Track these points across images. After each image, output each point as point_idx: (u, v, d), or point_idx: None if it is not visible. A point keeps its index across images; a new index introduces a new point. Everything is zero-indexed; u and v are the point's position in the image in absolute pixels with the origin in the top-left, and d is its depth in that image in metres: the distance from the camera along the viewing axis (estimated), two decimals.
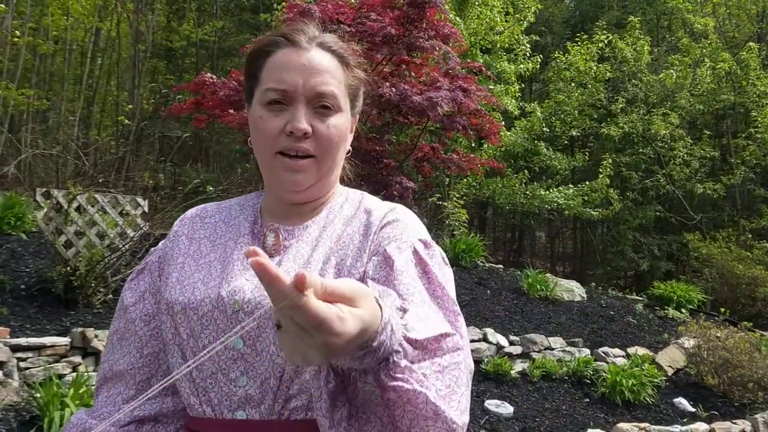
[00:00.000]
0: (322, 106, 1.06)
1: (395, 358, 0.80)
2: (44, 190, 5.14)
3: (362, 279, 1.02)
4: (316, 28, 1.12)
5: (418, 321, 0.87)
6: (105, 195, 5.31)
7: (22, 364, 3.99)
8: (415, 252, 1.06)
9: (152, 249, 1.23)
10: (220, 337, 1.01)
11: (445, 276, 1.08)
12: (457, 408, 0.86)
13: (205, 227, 1.16)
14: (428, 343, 0.85)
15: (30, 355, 4.03)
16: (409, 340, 0.82)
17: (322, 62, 1.07)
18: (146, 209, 5.44)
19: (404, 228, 1.09)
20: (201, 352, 0.90)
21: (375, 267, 1.03)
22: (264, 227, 1.12)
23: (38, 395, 3.56)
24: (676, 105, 13.23)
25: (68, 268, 4.79)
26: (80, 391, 3.62)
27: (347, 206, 1.15)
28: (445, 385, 0.85)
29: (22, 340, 4.05)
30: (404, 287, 0.98)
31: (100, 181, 5.29)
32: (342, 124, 1.09)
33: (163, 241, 1.20)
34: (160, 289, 1.13)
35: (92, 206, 5.08)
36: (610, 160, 12.11)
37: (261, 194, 1.21)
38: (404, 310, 0.90)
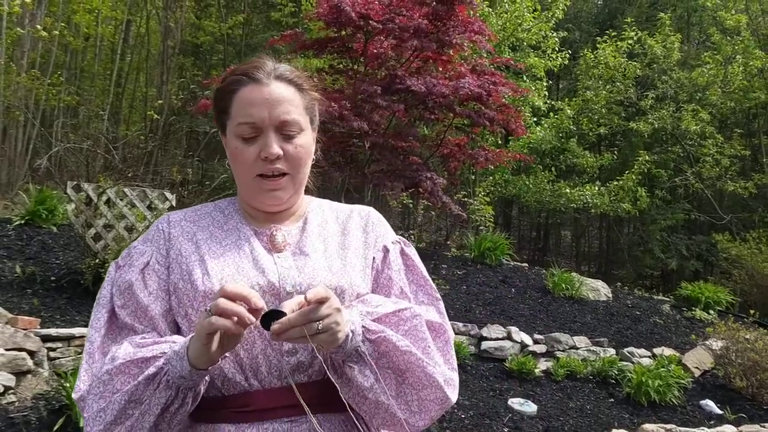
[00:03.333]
0: (288, 131, 1.26)
1: (366, 324, 1.18)
2: (75, 183, 5.21)
3: (372, 264, 1.35)
4: (271, 61, 1.30)
5: (381, 306, 1.23)
6: (134, 189, 5.38)
7: (52, 354, 4.06)
8: (402, 251, 1.39)
9: (135, 248, 1.31)
10: None
11: (423, 267, 1.40)
12: (423, 349, 1.21)
13: (201, 231, 1.31)
14: (387, 317, 1.21)
15: (59, 345, 4.11)
16: (373, 319, 1.20)
17: (282, 93, 1.26)
18: (174, 203, 5.50)
19: (387, 229, 1.42)
20: (251, 334, 1.18)
21: (381, 262, 1.35)
22: (264, 229, 1.32)
23: (67, 384, 3.62)
24: (706, 102, 13.02)
25: (97, 261, 4.86)
26: None
27: (324, 208, 1.42)
28: (409, 336, 1.20)
29: (52, 331, 4.12)
30: (398, 290, 1.33)
31: (129, 175, 5.36)
32: (306, 142, 1.30)
33: (147, 245, 1.30)
34: (176, 285, 1.25)
35: (121, 200, 5.15)
36: (646, 157, 11.95)
37: (230, 202, 1.39)
38: (371, 302, 1.25)
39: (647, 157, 12.08)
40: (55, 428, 3.42)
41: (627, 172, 11.93)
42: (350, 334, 1.14)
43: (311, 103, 1.33)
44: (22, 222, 5.93)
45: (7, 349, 3.89)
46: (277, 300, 1.20)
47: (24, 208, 6.17)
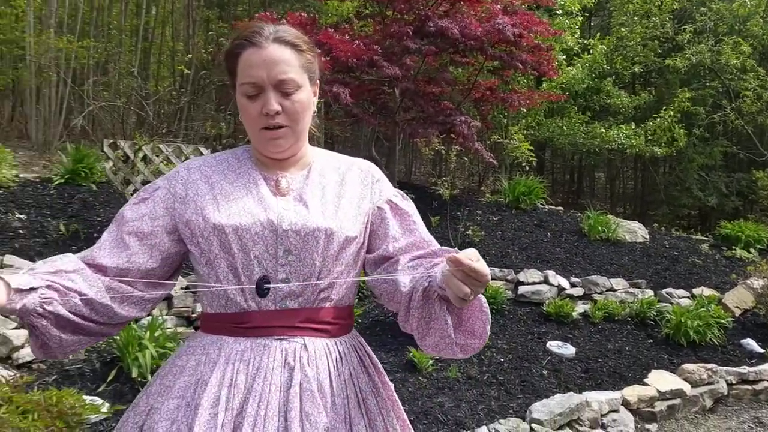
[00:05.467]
0: (285, 89, 1.41)
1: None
2: (111, 141, 5.28)
3: (368, 215, 1.51)
4: (271, 26, 1.46)
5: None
6: (168, 145, 5.42)
7: None
8: (401, 201, 1.57)
9: (152, 184, 1.52)
10: (269, 250, 1.39)
11: (417, 215, 1.57)
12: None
13: (216, 174, 1.49)
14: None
15: None
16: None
17: (279, 55, 1.42)
18: None
19: (388, 184, 1.59)
20: (251, 262, 1.38)
21: (390, 212, 1.52)
22: (272, 175, 1.49)
23: (117, 338, 3.74)
24: (747, 34, 12.53)
25: None
26: (156, 334, 3.79)
27: (329, 159, 1.58)
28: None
29: None
30: (425, 233, 1.52)
31: (163, 131, 5.39)
32: (303, 98, 1.45)
33: (164, 181, 1.51)
34: (166, 219, 1.45)
35: (157, 156, 5.20)
36: (687, 94, 11.61)
37: (245, 150, 1.57)
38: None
39: (687, 94, 11.73)
40: (109, 379, 3.55)
41: (663, 109, 11.62)
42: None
43: (309, 61, 1.47)
44: (62, 181, 6.04)
45: None
46: (274, 235, 1.39)
47: (63, 167, 6.27)
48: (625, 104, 12.09)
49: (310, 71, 1.48)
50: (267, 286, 1.37)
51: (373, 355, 1.57)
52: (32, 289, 1.26)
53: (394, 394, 1.55)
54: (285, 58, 1.42)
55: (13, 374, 3.26)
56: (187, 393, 1.37)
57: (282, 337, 1.40)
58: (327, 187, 1.50)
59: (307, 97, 1.47)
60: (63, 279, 1.32)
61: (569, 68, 11.25)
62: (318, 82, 1.54)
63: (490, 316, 1.38)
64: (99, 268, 1.40)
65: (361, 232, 1.50)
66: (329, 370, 1.42)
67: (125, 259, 1.42)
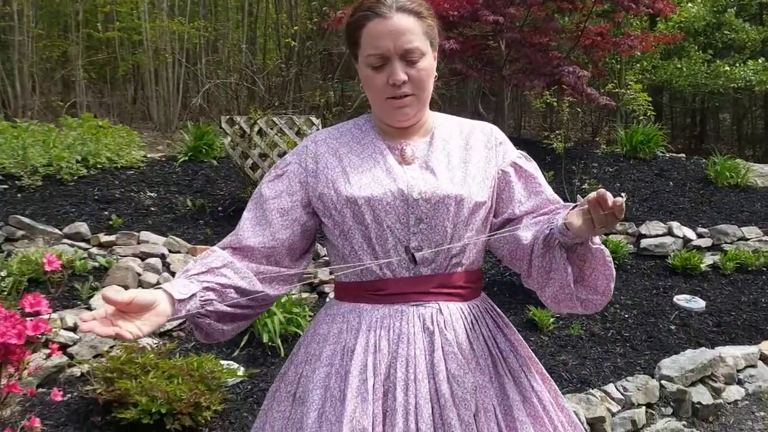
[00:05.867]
0: (411, 57, 1.41)
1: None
2: (228, 117, 5.49)
3: (494, 179, 1.51)
4: None
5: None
6: (281, 117, 5.58)
7: None
8: (525, 163, 1.57)
9: (283, 160, 1.56)
10: (400, 219, 1.41)
11: (541, 175, 1.57)
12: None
13: (343, 147, 1.51)
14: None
15: None
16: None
17: (404, 24, 1.41)
18: (320, 127, 5.67)
19: (510, 146, 1.58)
20: (384, 231, 1.41)
21: (515, 175, 1.52)
22: (396, 143, 1.50)
23: None
24: None
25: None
26: (282, 300, 3.96)
27: (450, 124, 1.57)
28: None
29: None
30: (551, 195, 1.52)
31: (275, 104, 5.56)
32: (428, 65, 1.45)
33: (294, 156, 1.54)
34: (302, 193, 1.49)
35: (271, 129, 5.37)
36: None
37: (367, 119, 1.58)
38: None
39: None
40: (242, 344, 3.77)
41: None
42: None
43: (430, 27, 1.47)
44: (186, 158, 6.38)
45: None
46: (405, 204, 1.41)
47: (185, 145, 6.61)
48: (751, 38, 11.18)
49: (431, 37, 1.48)
50: (416, 253, 1.40)
51: (504, 316, 1.59)
52: (192, 296, 1.32)
53: (530, 350, 1.56)
54: (410, 26, 1.42)
55: (156, 342, 3.53)
56: (334, 360, 1.42)
57: (418, 303, 1.43)
58: (452, 152, 1.50)
59: (431, 63, 1.47)
60: (216, 277, 1.37)
61: (689, 4, 10.52)
62: (437, 47, 1.52)
63: (614, 272, 1.36)
64: (246, 250, 1.45)
65: (490, 196, 1.50)
66: (467, 332, 1.45)
67: (269, 237, 1.46)
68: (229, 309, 1.38)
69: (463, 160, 1.49)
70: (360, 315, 1.44)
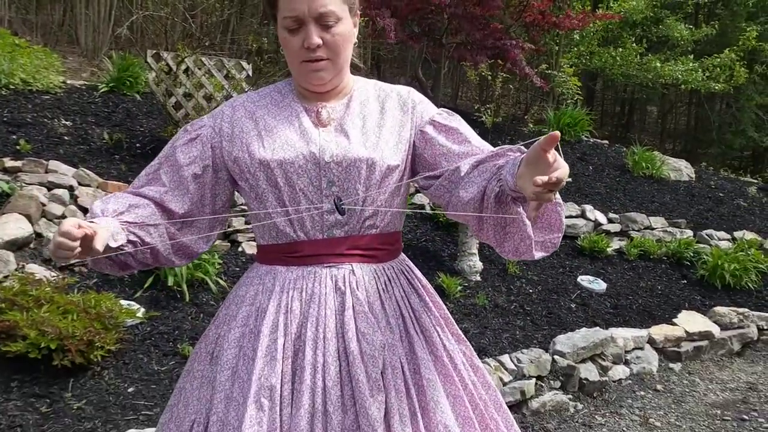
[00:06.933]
0: (325, 21, 1.41)
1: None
2: (154, 52, 5.28)
3: (409, 142, 1.52)
4: None
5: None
6: (211, 58, 5.41)
7: None
8: (446, 119, 1.55)
9: (198, 121, 1.57)
10: (312, 182, 1.43)
11: (468, 127, 1.56)
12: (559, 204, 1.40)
13: (259, 109, 1.53)
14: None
15: None
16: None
17: None
18: (250, 73, 5.52)
19: (428, 105, 1.58)
20: (296, 194, 1.43)
21: (434, 132, 1.51)
22: (313, 106, 1.51)
23: None
24: None
25: (179, 129, 5.01)
26: None
27: (369, 88, 1.58)
28: None
29: None
30: (477, 141, 1.51)
31: (206, 44, 5.37)
32: (344, 30, 1.45)
33: (210, 119, 1.56)
34: (213, 158, 1.52)
35: (199, 69, 5.20)
36: (754, 32, 10.98)
37: (287, 83, 1.58)
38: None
39: (755, 32, 11.10)
40: (146, 285, 3.69)
41: (727, 50, 11.03)
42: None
43: None
44: (108, 89, 6.12)
45: None
46: (317, 167, 1.43)
47: (109, 76, 6.33)
48: (684, 37, 11.53)
49: (350, 2, 1.47)
50: (343, 205, 1.42)
51: (423, 278, 1.61)
52: (119, 247, 1.40)
53: (446, 311, 1.59)
54: None
55: (55, 275, 3.42)
56: (249, 321, 1.47)
57: (330, 264, 1.46)
58: (368, 116, 1.52)
59: (348, 28, 1.47)
60: (143, 232, 1.46)
61: None
62: (359, 12, 1.53)
63: (564, 207, 1.38)
64: (168, 211, 1.51)
65: (404, 159, 1.51)
66: (379, 293, 1.48)
67: (188, 203, 1.52)
68: (134, 263, 1.50)
69: (378, 125, 1.50)
70: (275, 277, 1.48)
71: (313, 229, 1.45)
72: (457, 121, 1.55)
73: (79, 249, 1.26)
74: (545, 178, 1.16)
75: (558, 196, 1.32)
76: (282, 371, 1.38)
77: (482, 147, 1.49)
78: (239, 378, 1.41)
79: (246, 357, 1.42)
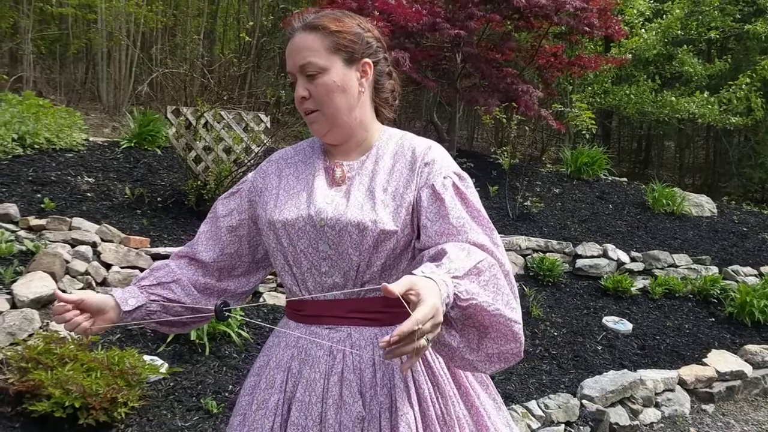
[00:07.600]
0: (309, 73, 1.44)
1: (457, 292, 1.16)
2: (174, 108, 5.39)
3: (412, 204, 1.42)
4: (311, 14, 1.48)
5: (460, 261, 1.23)
6: (229, 111, 5.51)
7: None
8: (454, 185, 1.42)
9: (244, 178, 1.64)
10: (311, 244, 1.42)
11: (478, 199, 1.44)
12: (506, 303, 1.24)
13: (289, 167, 1.56)
14: (469, 272, 1.21)
15: None
16: (456, 278, 1.18)
17: (302, 42, 1.44)
18: (268, 125, 5.61)
19: (441, 166, 1.45)
20: (298, 255, 1.43)
21: (428, 198, 1.40)
22: (331, 164, 1.50)
23: None
24: None
25: (199, 182, 5.08)
26: None
27: (391, 143, 1.52)
28: (491, 292, 1.23)
29: (161, 249, 4.39)
30: (456, 220, 1.36)
31: (224, 98, 5.48)
32: (328, 80, 1.44)
33: (252, 174, 1.62)
34: (250, 211, 1.58)
35: (218, 122, 5.30)
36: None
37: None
38: (451, 260, 1.23)
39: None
40: (168, 339, 3.70)
41: (741, 75, 11.02)
42: (443, 307, 1.12)
43: (339, 41, 1.44)
44: (129, 145, 6.24)
45: (122, 267, 4.19)
46: (314, 229, 1.42)
47: (130, 132, 6.47)
48: (698, 72, 11.55)
49: (345, 50, 1.45)
50: (226, 309, 1.42)
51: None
52: (139, 307, 1.50)
53: (463, 377, 1.47)
54: (307, 43, 1.44)
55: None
56: (261, 371, 1.54)
57: (330, 326, 1.45)
58: (377, 175, 1.46)
59: (333, 78, 1.43)
60: (165, 290, 1.55)
61: (641, 30, 10.80)
62: (367, 60, 1.48)
63: (510, 315, 1.23)
64: (200, 263, 1.59)
65: (406, 224, 1.41)
66: (373, 359, 1.41)
67: (219, 252, 1.59)
68: (172, 318, 1.56)
69: (383, 187, 1.43)
70: (286, 332, 1.52)
71: (315, 289, 1.45)
72: (451, 192, 1.40)
73: (80, 318, 1.42)
74: (386, 338, 1.03)
75: (498, 310, 1.20)
76: (272, 427, 1.43)
77: (458, 226, 1.35)
78: (247, 425, 1.48)
79: (256, 405, 1.49)
